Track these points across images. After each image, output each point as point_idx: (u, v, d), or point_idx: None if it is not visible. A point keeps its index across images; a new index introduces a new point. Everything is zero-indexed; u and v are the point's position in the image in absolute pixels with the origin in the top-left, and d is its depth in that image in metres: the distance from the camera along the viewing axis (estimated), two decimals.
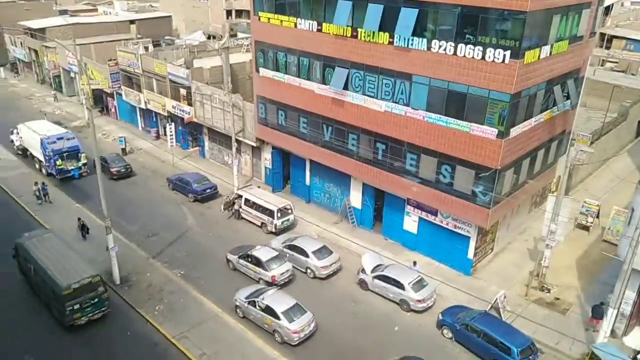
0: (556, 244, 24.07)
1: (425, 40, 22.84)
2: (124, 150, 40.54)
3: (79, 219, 28.28)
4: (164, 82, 40.43)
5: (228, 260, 26.12)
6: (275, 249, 26.68)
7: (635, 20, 73.45)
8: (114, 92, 46.77)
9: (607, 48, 63.51)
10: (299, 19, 28.13)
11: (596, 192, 33.40)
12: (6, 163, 38.25)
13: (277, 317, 20.78)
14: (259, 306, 21.43)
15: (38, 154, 36.41)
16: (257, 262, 24.57)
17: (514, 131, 22.31)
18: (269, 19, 29.95)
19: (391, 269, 24.01)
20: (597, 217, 29.39)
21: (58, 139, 35.31)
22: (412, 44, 23.31)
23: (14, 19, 62.97)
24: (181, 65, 39.77)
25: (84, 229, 27.93)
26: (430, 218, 26.05)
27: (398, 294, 23.05)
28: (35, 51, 60.07)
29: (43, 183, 32.62)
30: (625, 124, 39.14)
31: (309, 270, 25.49)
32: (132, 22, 64.06)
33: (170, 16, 69.63)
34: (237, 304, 22.46)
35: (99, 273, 22.01)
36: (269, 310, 21.07)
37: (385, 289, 23.52)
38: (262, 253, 24.82)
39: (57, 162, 34.88)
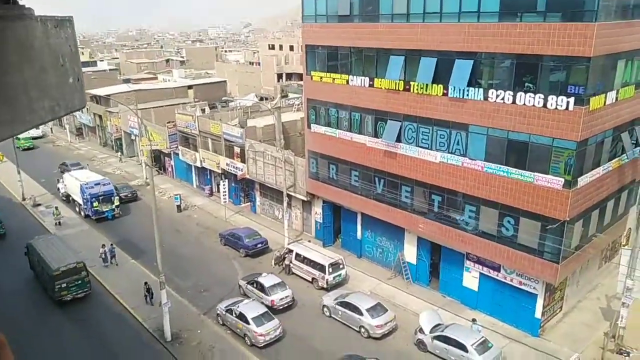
0: (633, 301, 21.97)
1: (481, 90, 22.52)
2: (179, 207, 41.48)
3: (146, 283, 27.47)
4: (218, 141, 41.73)
5: (240, 286, 28.44)
6: (327, 305, 25.88)
7: None
8: (172, 152, 48.63)
9: None
10: (350, 76, 28.63)
11: None
12: (68, 220, 39.78)
13: (248, 322, 23.50)
14: (234, 313, 24.25)
15: (78, 197, 40.42)
16: (261, 288, 26.72)
17: (582, 180, 21.11)
18: (321, 77, 30.66)
19: (452, 329, 22.50)
20: None
21: (95, 184, 39.49)
22: (467, 95, 23.02)
23: None
24: (235, 125, 41.07)
25: (149, 292, 27.03)
26: (493, 274, 24.57)
27: (460, 356, 21.40)
28: (100, 116, 64.09)
29: (112, 245, 32.65)
30: None
31: (362, 329, 24.29)
32: (189, 87, 67.64)
33: (225, 81, 73.25)
34: (218, 312, 25.51)
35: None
36: (241, 317, 23.83)
37: (446, 350, 21.94)
38: (267, 280, 27.06)
39: (94, 204, 38.79)
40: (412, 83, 25.33)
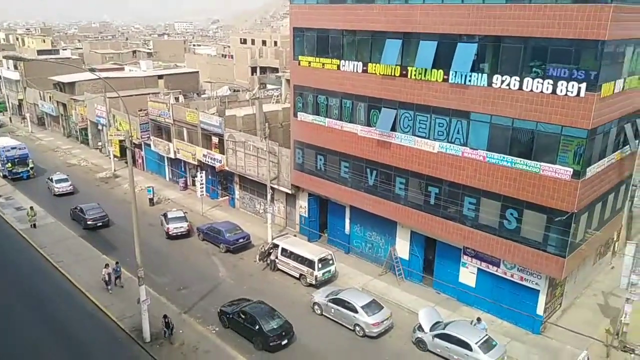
0: (639, 297, 21.39)
1: (485, 75, 21.46)
2: (151, 200, 39.08)
3: (165, 316, 22.43)
4: (195, 131, 39.57)
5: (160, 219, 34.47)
6: (318, 303, 24.37)
7: None
8: (142, 143, 45.98)
9: None
10: (342, 61, 27.18)
11: None
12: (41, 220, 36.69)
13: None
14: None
15: None
16: (165, 218, 33.74)
17: (590, 171, 20.32)
18: (309, 62, 29.08)
19: (454, 326, 21.32)
20: None
21: (12, 148, 45.32)
22: (470, 80, 21.93)
23: (44, 74, 64.03)
24: (214, 113, 38.99)
25: (169, 327, 22.16)
26: (492, 269, 23.58)
27: (464, 355, 20.23)
28: (64, 105, 60.43)
29: (117, 264, 27.22)
30: None
31: (357, 328, 22.85)
32: (160, 77, 64.76)
33: (197, 72, 70.54)
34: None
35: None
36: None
37: (448, 349, 20.74)
38: (171, 213, 34.10)
39: (7, 165, 44.28)
40: (409, 68, 24.10)
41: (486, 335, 20.80)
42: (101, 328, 23.32)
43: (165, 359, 20.94)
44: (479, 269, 24.17)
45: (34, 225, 34.03)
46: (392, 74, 24.84)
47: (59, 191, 40.69)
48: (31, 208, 34.94)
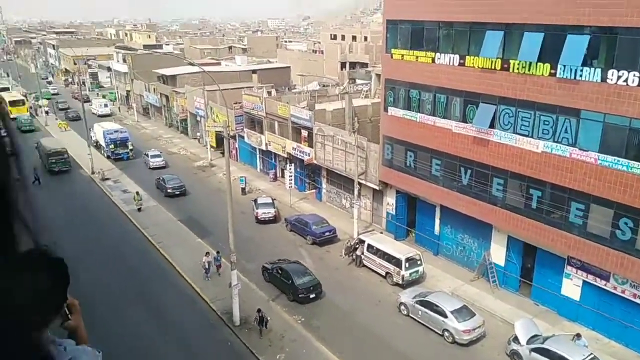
0: None
1: (599, 70, 19.52)
2: (243, 189, 40.45)
3: (259, 310, 22.50)
4: (285, 124, 40.25)
5: (253, 208, 35.58)
6: (405, 303, 23.76)
7: None
8: (236, 135, 47.66)
9: None
10: (437, 54, 26.12)
11: None
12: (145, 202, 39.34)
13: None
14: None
15: (102, 142, 50.80)
16: (256, 203, 35.71)
17: None
18: (402, 55, 28.31)
19: (554, 341, 19.73)
20: None
21: (115, 131, 50.23)
22: (581, 75, 20.07)
23: (149, 67, 68.49)
24: (304, 107, 39.42)
25: (262, 322, 22.21)
26: (600, 283, 21.55)
27: None
28: (166, 96, 64.29)
29: (217, 253, 27.73)
30: None
31: (446, 333, 21.96)
32: (254, 72, 66.77)
33: (289, 67, 71.88)
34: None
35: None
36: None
37: None
38: (260, 199, 36.26)
39: (110, 147, 49.06)
40: (511, 61, 22.57)
41: (591, 354, 19.03)
42: (194, 309, 24.54)
43: (254, 344, 21.49)
44: (584, 281, 22.19)
45: (140, 209, 36.53)
46: (492, 68, 23.44)
47: (153, 165, 46.38)
48: (137, 193, 37.56)
